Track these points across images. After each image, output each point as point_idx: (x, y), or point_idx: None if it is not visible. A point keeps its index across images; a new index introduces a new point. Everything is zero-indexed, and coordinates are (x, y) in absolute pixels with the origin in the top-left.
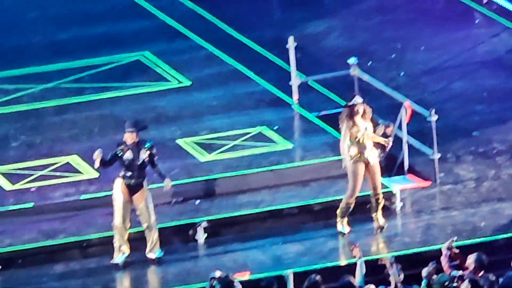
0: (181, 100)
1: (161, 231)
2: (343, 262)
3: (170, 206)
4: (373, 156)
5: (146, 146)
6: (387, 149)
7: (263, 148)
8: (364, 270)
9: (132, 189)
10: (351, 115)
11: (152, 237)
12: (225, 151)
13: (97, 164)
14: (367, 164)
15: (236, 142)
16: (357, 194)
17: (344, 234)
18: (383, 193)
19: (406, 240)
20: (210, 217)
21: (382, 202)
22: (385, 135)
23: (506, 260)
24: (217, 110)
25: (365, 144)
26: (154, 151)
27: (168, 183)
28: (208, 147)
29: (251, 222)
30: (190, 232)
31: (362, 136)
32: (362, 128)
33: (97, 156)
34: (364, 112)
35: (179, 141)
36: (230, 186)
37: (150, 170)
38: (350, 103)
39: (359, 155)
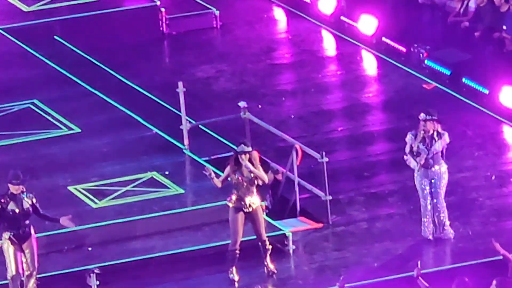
0: (72, 147)
1: (53, 278)
2: None
3: (62, 253)
4: (254, 203)
5: (28, 194)
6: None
7: (155, 194)
8: None
9: (21, 239)
10: (235, 161)
11: (29, 286)
12: (117, 197)
13: None
14: (247, 211)
15: (127, 188)
16: (239, 240)
17: (234, 281)
18: (275, 236)
19: (300, 283)
20: (103, 264)
21: (269, 248)
22: (275, 181)
23: None
24: (108, 156)
25: (245, 191)
26: (34, 199)
27: (64, 221)
28: (100, 194)
29: (144, 268)
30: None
31: (241, 181)
32: (246, 175)
33: None
34: (250, 158)
35: (71, 188)
36: (123, 232)
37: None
38: (237, 151)
39: (238, 202)
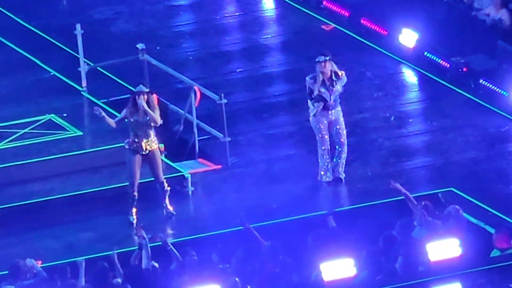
0: None
1: None
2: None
3: None
4: (151, 146)
5: None
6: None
7: (53, 136)
8: (149, 254)
9: None
10: (133, 103)
11: None
12: (15, 140)
13: None
14: (144, 153)
15: (25, 130)
16: (137, 183)
17: (133, 223)
18: (174, 177)
19: (199, 224)
20: (1, 206)
21: (167, 189)
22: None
23: (300, 240)
24: (5, 98)
25: (142, 134)
26: None
27: None
28: None
29: (43, 210)
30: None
31: (138, 124)
32: (143, 117)
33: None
34: (148, 100)
35: None
36: (21, 174)
37: None
38: (135, 90)
39: (135, 144)
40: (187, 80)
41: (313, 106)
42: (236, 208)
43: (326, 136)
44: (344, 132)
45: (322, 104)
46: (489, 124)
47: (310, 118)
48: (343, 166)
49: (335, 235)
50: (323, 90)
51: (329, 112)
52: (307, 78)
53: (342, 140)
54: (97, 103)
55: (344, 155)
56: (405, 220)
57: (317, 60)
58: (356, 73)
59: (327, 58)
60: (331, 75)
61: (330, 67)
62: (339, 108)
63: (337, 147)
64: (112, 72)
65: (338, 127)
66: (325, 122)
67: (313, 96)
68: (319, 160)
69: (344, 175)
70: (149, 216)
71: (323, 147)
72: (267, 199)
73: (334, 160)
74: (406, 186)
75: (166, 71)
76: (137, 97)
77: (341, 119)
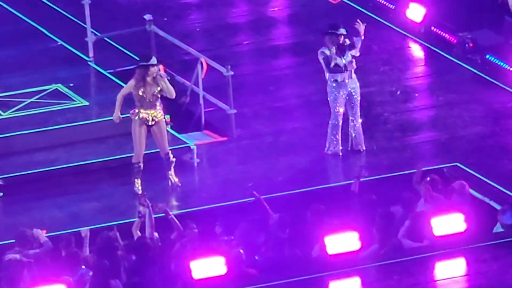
0: None
1: None
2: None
3: None
4: (157, 117)
5: None
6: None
7: (59, 106)
8: (153, 223)
9: None
10: (143, 74)
11: None
12: (21, 109)
13: None
14: (150, 124)
15: (32, 100)
16: (142, 153)
17: (138, 194)
18: (180, 148)
19: (204, 196)
20: (6, 175)
21: (173, 160)
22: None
23: (301, 213)
24: (12, 67)
25: (148, 105)
26: None
27: None
28: (3, 105)
29: (48, 180)
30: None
31: (145, 96)
32: (151, 89)
33: None
34: (157, 73)
35: None
36: (26, 143)
37: None
38: (148, 63)
39: (141, 115)
40: (194, 51)
41: (330, 77)
42: (241, 180)
43: (341, 109)
44: (358, 105)
45: (339, 74)
46: (495, 100)
47: (331, 89)
48: (362, 139)
49: (334, 210)
50: (338, 60)
51: (349, 80)
52: (321, 50)
53: (356, 112)
54: (104, 73)
55: (359, 128)
56: (409, 194)
57: (335, 32)
58: (362, 46)
59: (345, 31)
60: (342, 45)
61: (343, 39)
62: (355, 79)
63: (351, 120)
64: (119, 42)
65: (356, 98)
66: (343, 94)
67: (330, 67)
68: (328, 132)
69: (364, 148)
70: (154, 187)
71: (334, 120)
72: (272, 172)
73: (352, 134)
74: (412, 161)
75: (173, 42)
76: (151, 68)
77: (358, 90)
